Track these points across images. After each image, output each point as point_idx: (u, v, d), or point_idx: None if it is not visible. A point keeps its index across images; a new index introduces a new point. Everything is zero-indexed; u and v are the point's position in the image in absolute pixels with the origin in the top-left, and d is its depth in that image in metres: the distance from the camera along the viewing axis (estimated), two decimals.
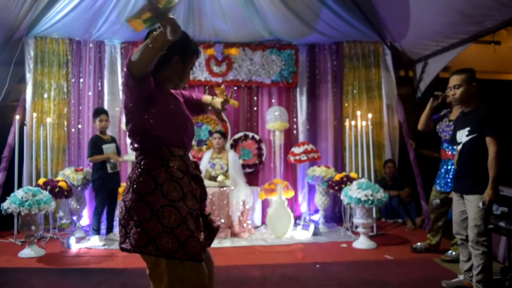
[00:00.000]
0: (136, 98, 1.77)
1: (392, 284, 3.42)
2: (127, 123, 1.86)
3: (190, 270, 1.74)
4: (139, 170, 1.80)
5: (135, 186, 1.76)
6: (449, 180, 3.92)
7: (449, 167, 3.91)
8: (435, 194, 4.05)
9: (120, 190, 4.95)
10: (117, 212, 5.01)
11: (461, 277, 3.28)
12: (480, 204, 2.89)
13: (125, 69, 1.70)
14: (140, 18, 1.49)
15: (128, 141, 5.55)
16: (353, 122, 5.54)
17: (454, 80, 3.09)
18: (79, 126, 5.74)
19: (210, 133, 5.76)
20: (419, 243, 4.26)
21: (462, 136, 3.08)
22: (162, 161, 1.81)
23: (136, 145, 1.86)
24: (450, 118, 3.89)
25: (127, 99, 1.79)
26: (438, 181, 4.04)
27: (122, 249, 1.76)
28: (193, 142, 5.61)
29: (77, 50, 5.74)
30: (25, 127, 5.18)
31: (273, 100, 6.04)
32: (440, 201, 3.85)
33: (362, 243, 4.51)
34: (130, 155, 5.27)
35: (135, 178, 1.79)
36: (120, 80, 5.80)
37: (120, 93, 5.80)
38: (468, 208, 3.02)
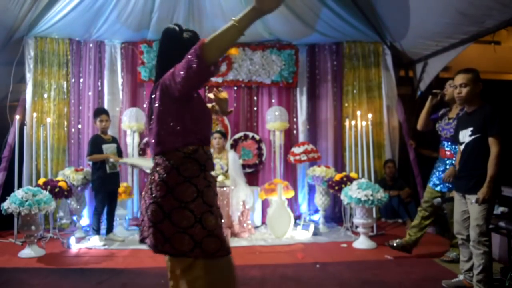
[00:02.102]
0: (190, 86, 1.74)
1: (392, 284, 3.42)
2: (161, 118, 1.83)
3: (227, 264, 1.88)
4: (180, 177, 1.82)
5: (176, 192, 1.81)
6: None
7: (447, 167, 3.88)
8: (430, 192, 3.96)
9: (120, 190, 4.95)
10: (118, 212, 5.04)
11: (461, 277, 3.28)
12: (473, 201, 2.89)
13: (193, 53, 1.64)
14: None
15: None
16: (353, 122, 5.54)
17: (461, 78, 3.08)
18: (79, 126, 5.74)
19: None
20: (397, 240, 4.07)
21: (465, 136, 3.08)
22: (200, 166, 1.87)
23: (169, 145, 1.84)
24: (450, 116, 3.89)
25: (177, 87, 1.74)
26: (433, 180, 4.00)
27: (161, 252, 1.84)
28: None
29: (77, 50, 5.74)
30: (25, 127, 5.19)
31: (273, 100, 6.03)
32: (442, 200, 3.83)
33: (362, 243, 4.51)
34: (130, 158, 5.25)
35: (174, 184, 1.81)
36: (120, 80, 5.81)
37: (120, 93, 5.80)
38: (470, 208, 3.02)
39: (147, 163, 5.09)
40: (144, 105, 5.84)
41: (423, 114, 4.07)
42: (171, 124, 1.84)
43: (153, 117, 1.88)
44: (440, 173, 3.92)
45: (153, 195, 1.83)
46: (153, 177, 1.88)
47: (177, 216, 1.79)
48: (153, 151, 1.91)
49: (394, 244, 4.06)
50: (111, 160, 4.67)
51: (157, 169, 1.86)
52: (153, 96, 1.89)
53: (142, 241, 1.93)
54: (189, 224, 1.79)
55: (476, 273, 2.96)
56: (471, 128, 3.03)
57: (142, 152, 5.62)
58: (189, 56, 1.66)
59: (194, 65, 1.64)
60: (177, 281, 1.90)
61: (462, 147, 3.13)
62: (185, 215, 1.79)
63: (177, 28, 1.95)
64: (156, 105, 1.84)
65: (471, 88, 3.04)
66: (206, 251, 1.79)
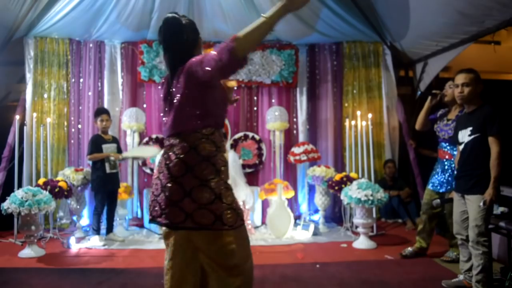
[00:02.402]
0: (219, 76, 1.88)
1: (392, 284, 3.42)
2: (184, 101, 1.93)
3: (245, 230, 2.05)
4: (199, 156, 1.92)
5: (195, 171, 1.91)
6: (444, 180, 3.87)
7: (446, 167, 3.89)
8: (430, 194, 3.98)
9: (120, 190, 4.95)
10: (119, 212, 5.04)
11: (461, 277, 3.28)
12: (481, 204, 2.89)
13: (226, 46, 1.75)
14: None
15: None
16: (353, 122, 5.54)
17: (463, 78, 3.08)
18: (79, 126, 5.74)
19: None
20: (408, 249, 4.13)
21: (464, 136, 3.08)
22: (216, 147, 1.98)
23: (188, 127, 1.94)
24: (448, 117, 3.89)
25: (206, 75, 1.85)
26: (432, 181, 4.00)
27: (182, 228, 1.92)
28: None
29: (77, 50, 5.74)
30: (25, 127, 5.18)
31: (273, 100, 6.03)
32: (441, 201, 3.83)
33: (362, 243, 4.51)
34: (130, 151, 5.23)
35: (194, 163, 1.92)
36: (120, 80, 5.81)
37: (120, 93, 5.80)
38: (469, 208, 3.02)
39: (149, 151, 4.91)
40: (144, 105, 5.86)
41: (422, 114, 4.07)
42: (194, 107, 1.94)
43: (174, 100, 1.97)
44: (439, 174, 3.93)
45: (171, 175, 1.92)
46: (168, 158, 1.96)
47: (197, 193, 1.90)
48: (170, 132, 1.99)
49: (408, 254, 4.09)
50: (112, 158, 4.67)
51: (174, 149, 1.95)
52: (174, 80, 1.99)
53: (152, 220, 2.00)
54: (209, 201, 1.91)
55: (475, 273, 2.96)
56: (470, 128, 3.03)
57: None
58: (222, 48, 1.77)
59: (226, 57, 1.76)
60: (194, 251, 1.97)
61: (461, 147, 3.13)
62: (205, 192, 1.91)
63: (176, 15, 2.08)
64: (180, 89, 1.94)
65: (473, 88, 3.05)
66: (226, 223, 1.92)
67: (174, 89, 1.98)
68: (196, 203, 1.90)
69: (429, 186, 4.00)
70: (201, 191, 1.91)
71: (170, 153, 1.95)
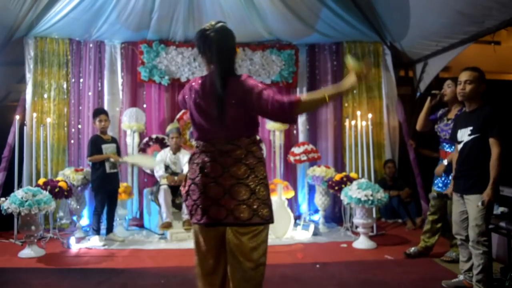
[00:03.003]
0: (267, 117, 2.14)
1: (392, 284, 3.42)
2: (238, 119, 2.09)
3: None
4: (256, 158, 2.14)
5: (255, 171, 2.13)
6: (448, 181, 3.88)
7: (448, 168, 3.89)
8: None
9: (120, 190, 4.95)
10: (119, 213, 5.04)
11: (461, 277, 3.27)
12: (479, 204, 2.89)
13: (289, 103, 1.98)
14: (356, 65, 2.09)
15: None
16: (353, 122, 5.54)
17: (467, 75, 3.07)
18: (79, 126, 5.73)
19: None
20: (412, 248, 4.13)
21: (464, 135, 3.08)
22: (260, 150, 2.23)
23: (245, 134, 2.13)
24: (448, 117, 3.89)
25: (257, 111, 2.08)
26: (436, 182, 4.01)
27: (226, 224, 2.10)
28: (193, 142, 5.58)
29: (77, 50, 5.74)
30: (25, 127, 5.18)
31: None
32: (437, 195, 3.82)
33: (362, 243, 4.51)
34: (130, 157, 5.25)
35: (254, 164, 2.13)
36: (120, 80, 5.80)
37: (120, 93, 5.80)
38: (468, 208, 3.02)
39: (148, 162, 5.08)
40: (144, 105, 5.85)
41: (422, 115, 4.06)
42: (245, 117, 2.12)
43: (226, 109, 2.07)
44: (442, 175, 3.93)
45: (237, 177, 2.08)
46: (224, 162, 2.09)
47: (259, 189, 2.13)
48: (222, 138, 2.11)
49: (412, 253, 4.09)
50: (112, 160, 4.67)
51: (231, 154, 2.09)
52: (226, 89, 2.05)
53: (209, 223, 2.13)
54: (268, 195, 2.18)
55: (475, 273, 2.95)
56: (470, 128, 3.02)
57: (142, 152, 5.62)
58: (284, 103, 1.98)
59: (284, 112, 1.99)
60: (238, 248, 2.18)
61: (460, 146, 3.13)
62: (265, 188, 2.18)
63: (224, 24, 2.14)
64: (234, 104, 2.06)
65: (475, 86, 3.04)
66: (267, 219, 2.15)
67: (227, 100, 2.05)
68: (259, 199, 2.13)
69: (435, 188, 4.01)
70: (264, 187, 2.16)
71: (226, 158, 2.08)
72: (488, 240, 2.93)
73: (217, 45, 2.07)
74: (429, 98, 4.00)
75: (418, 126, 4.13)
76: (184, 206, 4.57)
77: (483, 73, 3.10)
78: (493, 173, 2.89)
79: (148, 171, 5.65)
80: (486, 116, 2.96)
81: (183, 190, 2.23)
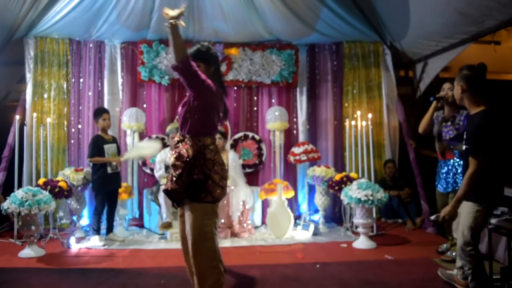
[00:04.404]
0: None
1: (392, 284, 3.42)
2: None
3: None
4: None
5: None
6: (451, 181, 3.89)
7: (450, 167, 3.90)
8: (441, 197, 3.99)
9: (120, 190, 4.95)
10: (120, 213, 5.05)
11: (455, 271, 3.27)
12: (432, 217, 2.88)
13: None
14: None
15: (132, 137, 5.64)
16: (353, 122, 5.54)
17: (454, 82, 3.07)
18: (79, 126, 5.73)
19: None
20: (444, 245, 4.15)
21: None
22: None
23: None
24: (446, 118, 3.91)
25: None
26: (439, 183, 4.01)
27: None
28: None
29: (77, 50, 5.74)
30: (25, 127, 5.18)
31: (273, 100, 6.03)
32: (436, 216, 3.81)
33: (362, 243, 4.51)
34: (131, 151, 5.21)
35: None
36: (120, 80, 5.81)
37: (120, 93, 5.81)
38: (461, 213, 2.98)
39: (150, 148, 4.65)
40: (144, 105, 5.85)
41: (426, 118, 4.04)
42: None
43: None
44: (444, 175, 3.94)
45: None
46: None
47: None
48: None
49: (444, 251, 4.09)
50: (114, 164, 4.68)
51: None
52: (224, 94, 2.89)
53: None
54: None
55: (469, 281, 2.92)
56: (465, 137, 2.93)
57: (140, 140, 5.60)
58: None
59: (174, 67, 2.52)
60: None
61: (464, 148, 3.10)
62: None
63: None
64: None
65: (457, 89, 2.98)
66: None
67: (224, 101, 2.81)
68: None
69: (439, 189, 4.00)
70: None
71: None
72: (475, 249, 2.85)
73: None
74: (434, 103, 3.99)
75: (421, 129, 4.11)
76: None
77: (469, 70, 3.01)
78: (460, 190, 2.79)
79: (149, 171, 5.66)
80: (468, 132, 2.86)
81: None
